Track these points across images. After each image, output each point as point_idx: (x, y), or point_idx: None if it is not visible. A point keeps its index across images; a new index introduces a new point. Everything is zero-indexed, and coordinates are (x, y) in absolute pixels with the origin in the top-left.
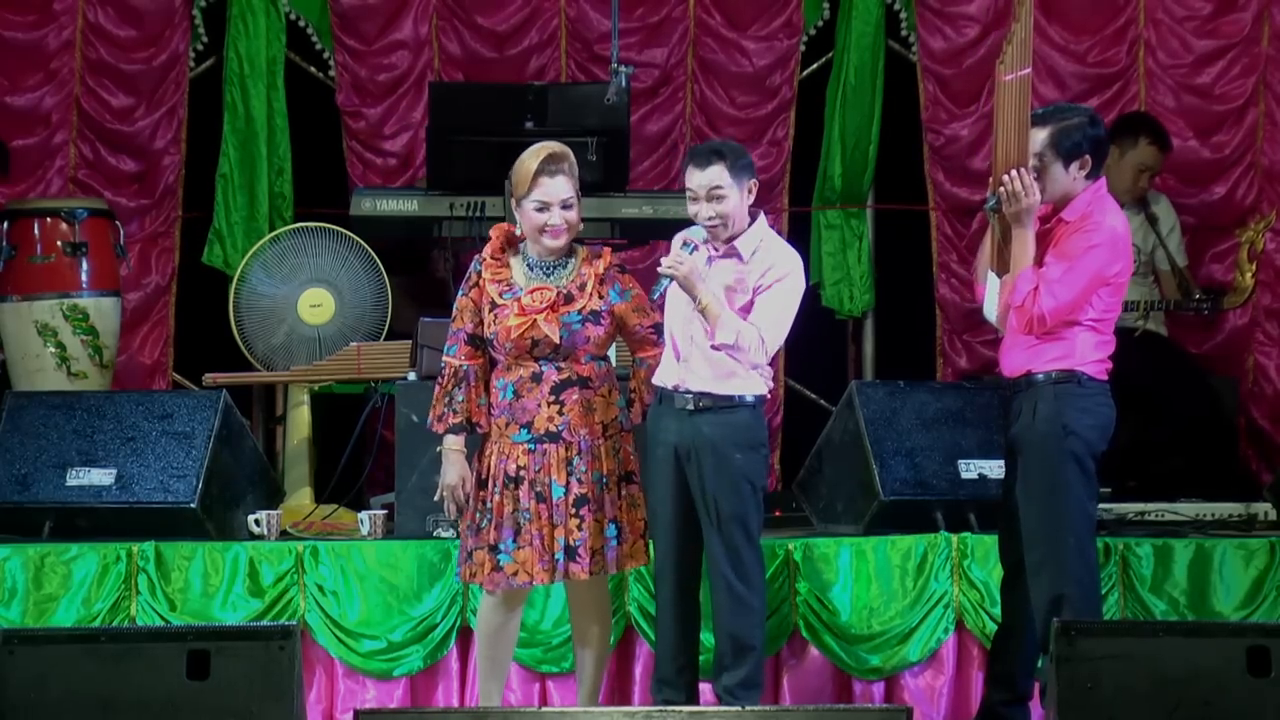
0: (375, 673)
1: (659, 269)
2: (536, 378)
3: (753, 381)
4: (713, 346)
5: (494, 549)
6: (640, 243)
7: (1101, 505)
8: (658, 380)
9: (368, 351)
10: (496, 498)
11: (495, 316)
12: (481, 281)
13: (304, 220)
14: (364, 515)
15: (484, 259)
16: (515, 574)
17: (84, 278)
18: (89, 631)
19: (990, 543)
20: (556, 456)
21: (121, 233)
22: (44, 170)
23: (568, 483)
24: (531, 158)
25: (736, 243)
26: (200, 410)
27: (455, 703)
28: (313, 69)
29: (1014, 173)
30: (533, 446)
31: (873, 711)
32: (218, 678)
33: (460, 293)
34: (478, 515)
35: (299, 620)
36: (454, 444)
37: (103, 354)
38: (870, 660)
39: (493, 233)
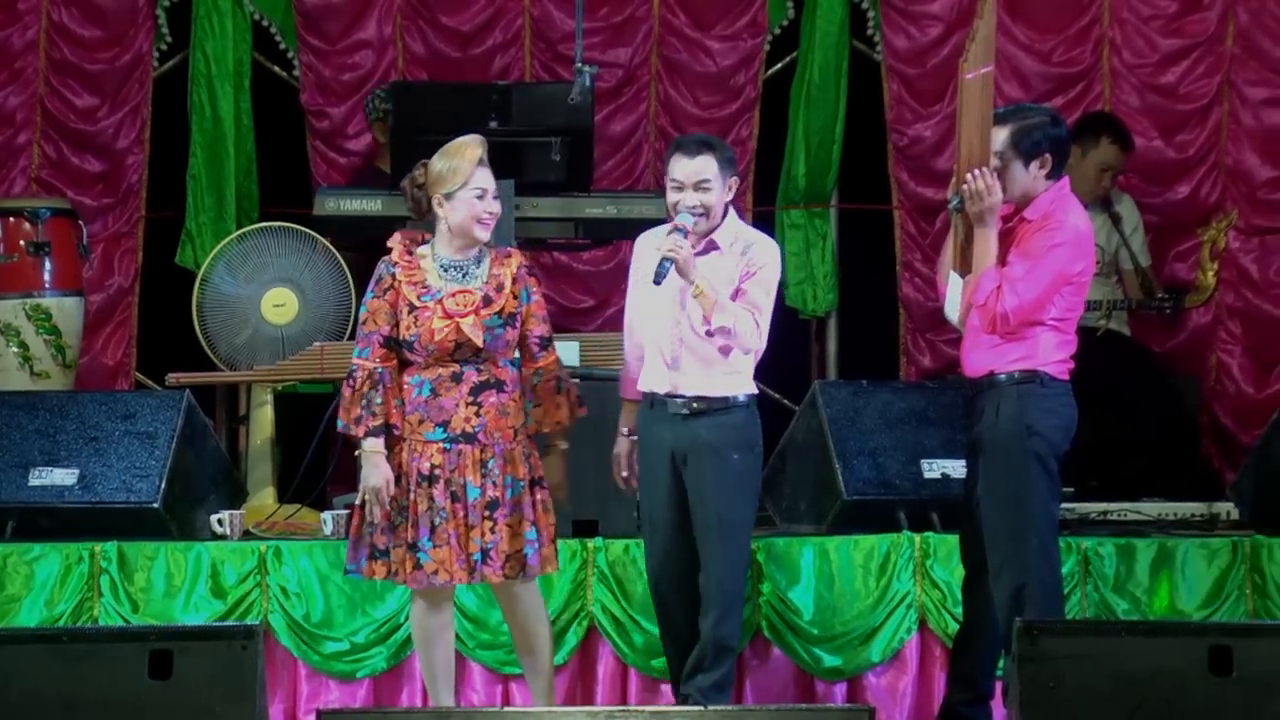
0: (338, 673)
1: (659, 251)
2: (456, 378)
3: (744, 381)
4: (708, 332)
5: (413, 547)
6: (604, 242)
7: (1064, 505)
8: (645, 386)
9: (331, 351)
10: (412, 496)
11: (415, 319)
12: (396, 284)
13: (268, 220)
14: (327, 515)
15: (395, 262)
16: (435, 572)
17: (47, 277)
18: (52, 632)
19: (953, 543)
20: (472, 457)
21: (85, 232)
22: (7, 170)
23: (482, 484)
24: (470, 148)
25: (714, 236)
26: (163, 410)
27: (419, 703)
28: (277, 68)
29: (976, 172)
30: (448, 446)
31: (835, 712)
32: (180, 678)
33: (371, 295)
34: (393, 514)
35: (262, 621)
36: (376, 446)
37: (65, 354)
38: (832, 660)
39: (393, 241)
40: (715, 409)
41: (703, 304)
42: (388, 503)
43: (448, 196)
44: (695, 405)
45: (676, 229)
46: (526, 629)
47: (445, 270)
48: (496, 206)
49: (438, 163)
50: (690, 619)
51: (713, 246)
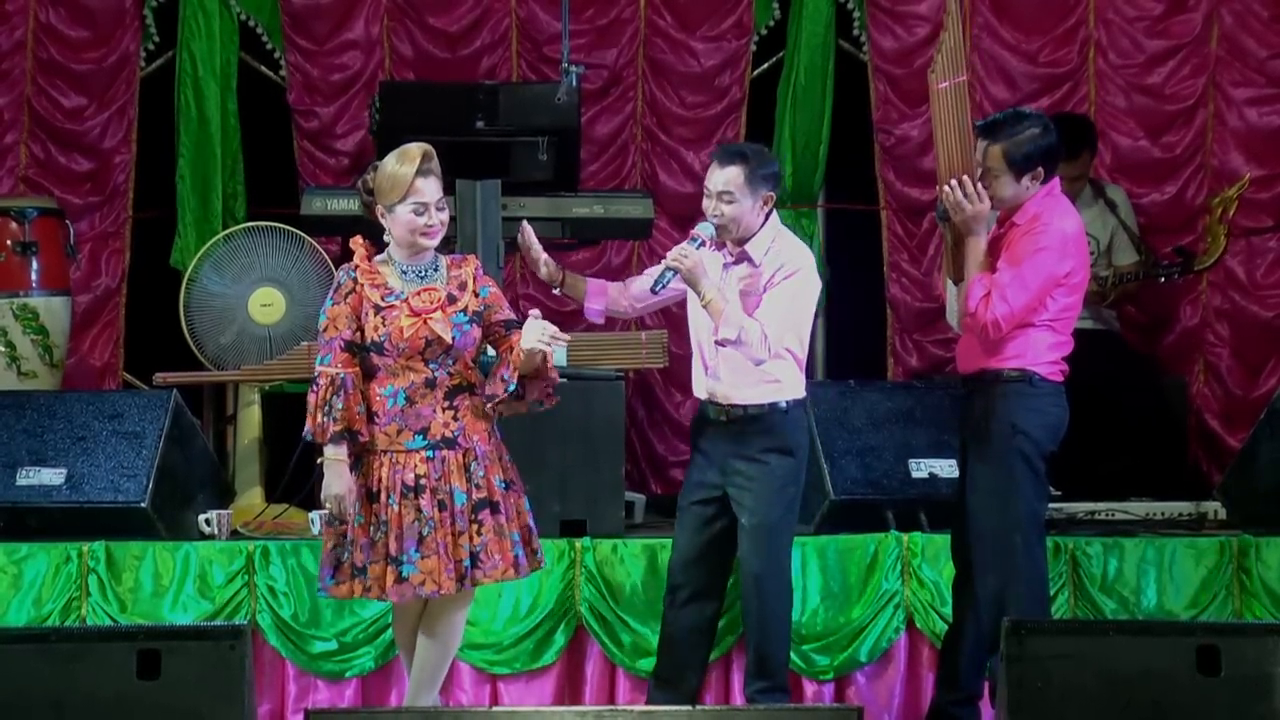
0: (327, 673)
1: (665, 261)
2: (430, 383)
3: (785, 388)
4: (716, 342)
5: (394, 560)
6: (591, 243)
7: (1052, 505)
8: (695, 392)
9: (318, 351)
10: (395, 509)
11: (383, 319)
12: (359, 288)
13: (255, 220)
14: (314, 515)
15: (356, 266)
16: (423, 583)
17: (34, 277)
18: (40, 631)
19: (941, 542)
20: (455, 463)
21: (72, 232)
22: None
23: (468, 489)
24: (406, 163)
25: (747, 247)
26: (150, 410)
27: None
28: (264, 69)
29: (954, 182)
30: (431, 454)
31: (823, 711)
32: (168, 678)
33: (331, 301)
34: (371, 529)
35: (250, 621)
36: (337, 454)
37: (53, 354)
38: (821, 660)
39: (353, 244)
40: (753, 415)
41: (711, 314)
42: (350, 511)
43: (389, 209)
44: (734, 412)
45: (692, 238)
46: (436, 620)
47: (405, 273)
48: (439, 218)
49: (380, 174)
50: (695, 615)
51: (745, 257)
